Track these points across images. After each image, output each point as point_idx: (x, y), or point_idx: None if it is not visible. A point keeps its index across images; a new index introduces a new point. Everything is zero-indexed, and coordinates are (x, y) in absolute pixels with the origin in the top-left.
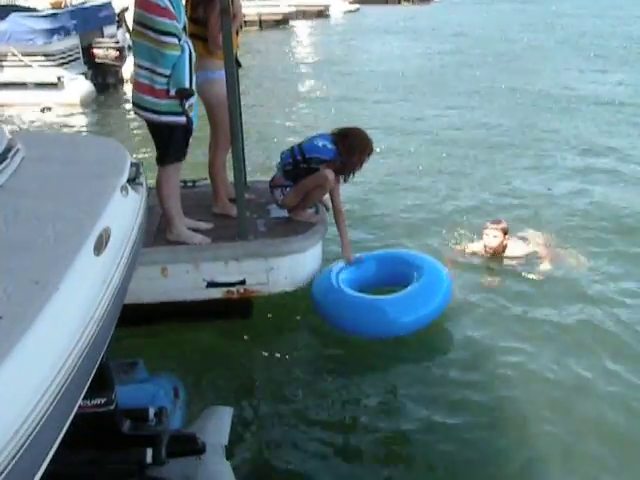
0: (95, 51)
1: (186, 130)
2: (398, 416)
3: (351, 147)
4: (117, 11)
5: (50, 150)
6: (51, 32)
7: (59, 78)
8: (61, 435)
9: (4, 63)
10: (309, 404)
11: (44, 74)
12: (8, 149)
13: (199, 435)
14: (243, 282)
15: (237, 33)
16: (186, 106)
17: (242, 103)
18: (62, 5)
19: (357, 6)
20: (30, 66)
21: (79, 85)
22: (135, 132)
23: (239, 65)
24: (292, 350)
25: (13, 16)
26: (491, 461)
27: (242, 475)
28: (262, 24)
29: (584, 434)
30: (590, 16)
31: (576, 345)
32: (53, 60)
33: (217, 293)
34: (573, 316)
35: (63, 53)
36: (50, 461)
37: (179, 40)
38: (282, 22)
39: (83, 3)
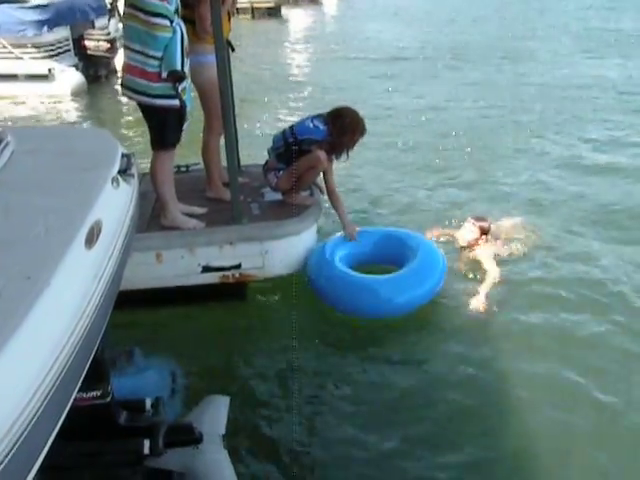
0: (86, 43)
1: (180, 114)
2: (399, 395)
3: (342, 127)
4: (109, 1)
5: (40, 143)
6: (41, 23)
7: (50, 70)
8: (57, 428)
9: None
10: (307, 387)
11: (35, 66)
12: None
13: (196, 425)
14: (238, 266)
15: (229, 17)
16: (179, 89)
17: (235, 88)
18: None
19: None
20: (21, 58)
21: (70, 77)
22: (127, 122)
23: (232, 49)
24: (288, 332)
25: (2, 7)
26: (495, 432)
27: (240, 463)
28: (254, 12)
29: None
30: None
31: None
32: (44, 52)
33: (213, 278)
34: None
35: (53, 45)
36: (48, 454)
37: (171, 22)
38: (274, 10)
39: None
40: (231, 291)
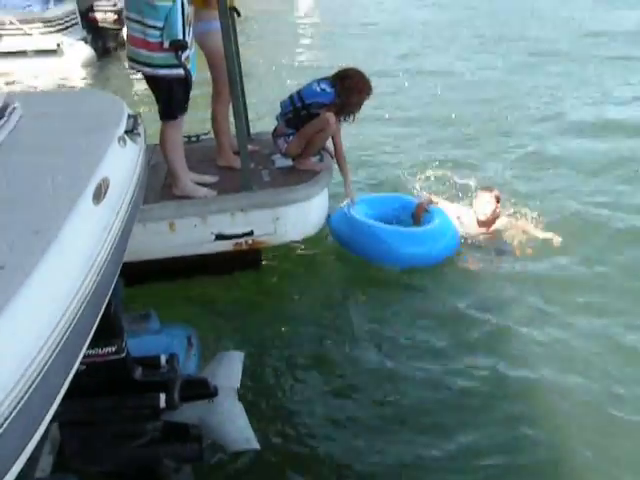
0: (94, 15)
1: (185, 83)
2: (418, 362)
3: (349, 88)
4: None
5: (47, 107)
6: None
7: (58, 45)
8: (67, 381)
9: (2, 32)
10: (319, 350)
11: (43, 41)
12: (5, 107)
13: (211, 379)
14: (251, 233)
15: None
16: (182, 58)
17: (242, 56)
18: None
19: None
20: (29, 34)
21: (79, 50)
22: (137, 94)
23: (238, 14)
24: (300, 300)
25: None
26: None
27: (255, 416)
28: None
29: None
30: None
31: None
32: (52, 27)
33: (226, 245)
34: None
35: (61, 19)
36: (67, 409)
37: None
38: None
39: None
40: (246, 260)
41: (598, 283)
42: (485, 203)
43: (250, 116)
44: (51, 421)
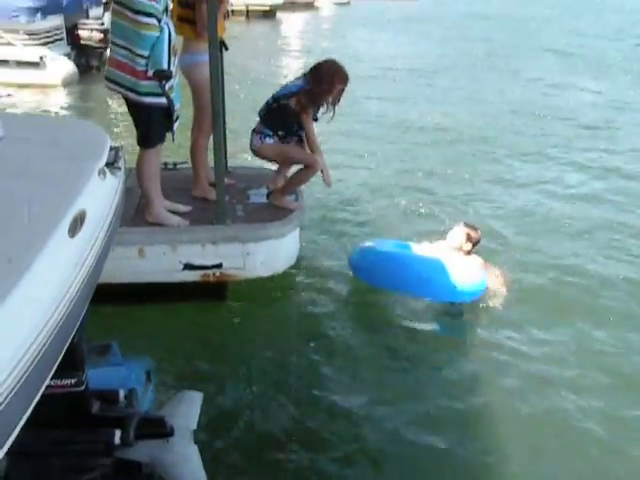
0: (79, 32)
1: (167, 112)
2: (368, 395)
3: (320, 75)
4: None
5: (29, 132)
6: (35, 10)
7: (41, 57)
8: (27, 413)
9: None
10: (281, 386)
11: (26, 53)
12: None
13: (168, 419)
14: (220, 266)
15: (224, 17)
16: (166, 88)
17: (227, 89)
18: None
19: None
20: (13, 44)
21: (61, 65)
22: (116, 114)
23: (225, 48)
24: (266, 331)
25: None
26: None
27: (210, 459)
28: (249, 14)
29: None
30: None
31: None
32: (36, 39)
33: (193, 276)
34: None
35: (46, 32)
36: (18, 440)
37: (159, 21)
38: (270, 13)
39: None
40: (212, 290)
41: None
42: (455, 233)
43: (228, 149)
44: None
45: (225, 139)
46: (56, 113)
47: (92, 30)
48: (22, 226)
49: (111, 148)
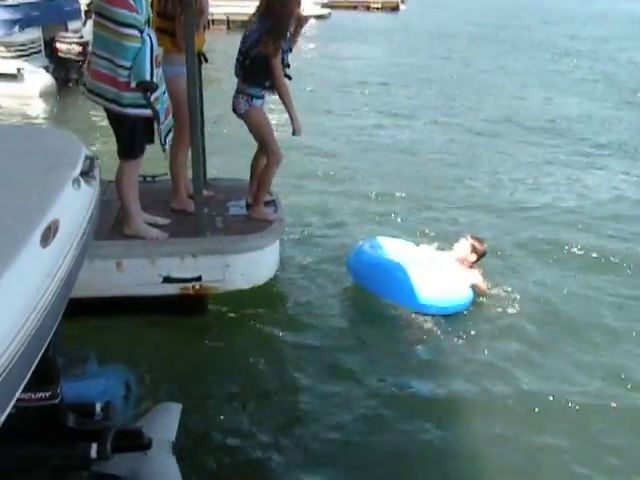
0: (58, 45)
1: (149, 123)
2: (351, 405)
3: (274, 7)
4: (83, 6)
5: (3, 141)
6: (12, 23)
7: (19, 70)
8: None
9: None
10: (262, 397)
11: (3, 65)
12: None
13: (146, 431)
14: (199, 278)
15: (204, 29)
16: (151, 98)
17: (206, 101)
18: None
19: (329, 11)
20: None
21: (39, 78)
22: (95, 128)
23: (205, 60)
24: (246, 343)
25: None
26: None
27: (189, 471)
28: (230, 24)
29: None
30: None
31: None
32: (14, 52)
33: (173, 289)
34: None
35: (24, 45)
36: None
37: (141, 32)
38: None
39: None
40: (191, 303)
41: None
42: (461, 245)
43: (207, 162)
44: None
45: (204, 151)
46: (33, 124)
47: (71, 43)
48: None
49: (86, 157)
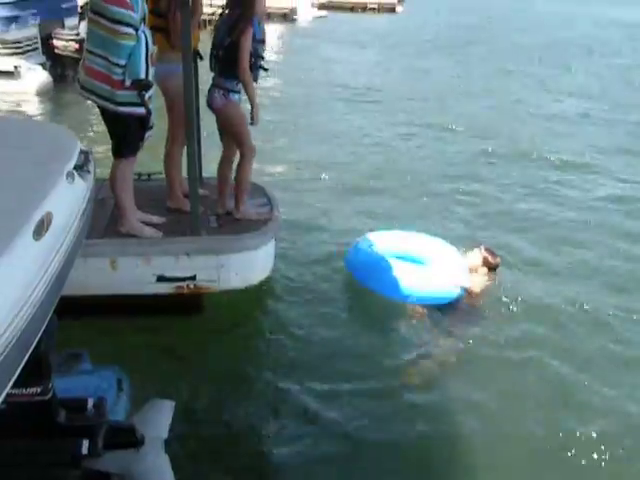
0: (55, 42)
1: (142, 122)
2: (342, 402)
3: None
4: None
5: None
6: (9, 20)
7: (16, 67)
8: None
9: None
10: (255, 397)
11: (0, 62)
12: None
13: (139, 427)
14: (193, 278)
15: (198, 27)
16: (146, 97)
17: (200, 100)
18: None
19: (325, 12)
20: None
21: (36, 75)
22: (91, 124)
23: (200, 58)
24: (240, 343)
25: None
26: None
27: (181, 468)
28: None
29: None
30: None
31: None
32: (10, 49)
33: (167, 288)
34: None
35: (21, 42)
36: None
37: (136, 30)
38: None
39: None
40: (187, 302)
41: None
42: (474, 254)
43: (203, 160)
44: None
45: (200, 150)
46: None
47: (68, 40)
48: None
49: (81, 151)
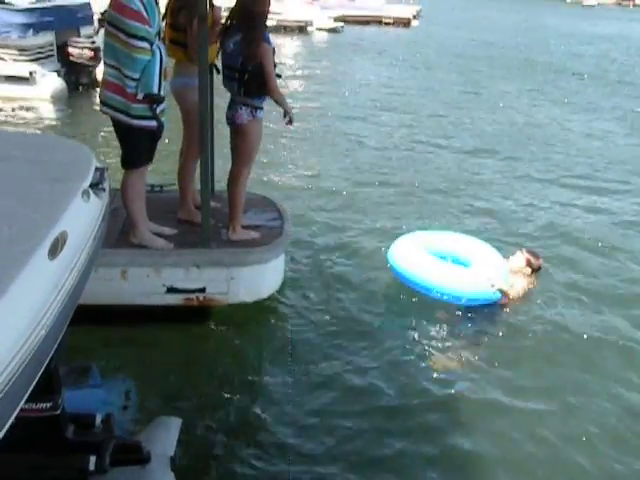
0: (70, 50)
1: (154, 134)
2: (351, 415)
3: (248, 11)
4: (98, 13)
5: (14, 150)
6: (27, 27)
7: (31, 73)
8: None
9: None
10: (262, 411)
11: (16, 68)
12: None
13: (145, 444)
14: (203, 290)
15: (217, 41)
16: (157, 111)
17: (216, 114)
18: None
19: (341, 24)
20: (3, 59)
21: (51, 82)
22: (104, 133)
23: (217, 71)
24: (248, 357)
25: None
26: None
27: None
28: None
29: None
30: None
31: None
32: (26, 55)
33: (176, 299)
34: None
35: (37, 49)
36: None
37: (151, 45)
38: None
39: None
40: (195, 314)
41: None
42: (517, 257)
43: (215, 173)
44: None
45: (213, 162)
46: (43, 129)
47: (83, 48)
48: (1, 247)
49: (96, 169)
